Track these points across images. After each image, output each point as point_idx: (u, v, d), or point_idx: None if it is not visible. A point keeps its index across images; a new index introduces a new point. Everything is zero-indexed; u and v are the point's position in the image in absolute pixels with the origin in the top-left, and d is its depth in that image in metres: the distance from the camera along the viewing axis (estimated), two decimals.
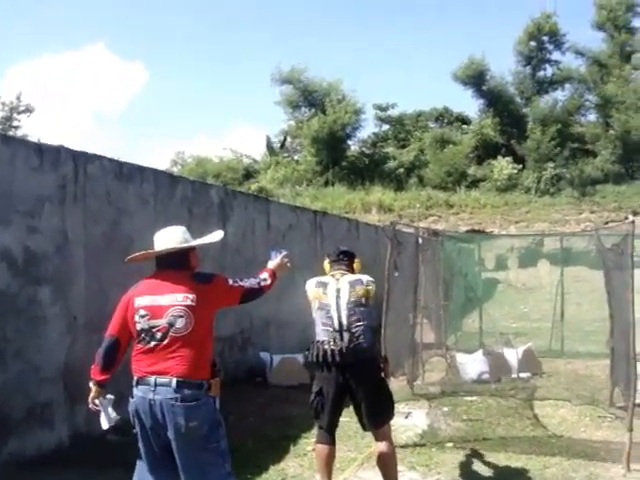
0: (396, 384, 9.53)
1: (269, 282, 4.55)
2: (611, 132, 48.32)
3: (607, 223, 37.49)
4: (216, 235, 4.62)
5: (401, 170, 49.53)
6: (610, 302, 7.88)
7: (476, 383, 10.17)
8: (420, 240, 9.75)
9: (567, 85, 54.32)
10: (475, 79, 50.92)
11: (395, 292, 7.42)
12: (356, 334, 5.25)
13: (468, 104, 66.01)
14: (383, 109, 55.81)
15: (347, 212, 36.88)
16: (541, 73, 54.49)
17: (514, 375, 10.49)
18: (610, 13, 53.38)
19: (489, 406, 8.86)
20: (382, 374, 5.57)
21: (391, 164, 50.50)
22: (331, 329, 5.30)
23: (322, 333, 5.36)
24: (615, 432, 7.34)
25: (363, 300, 5.36)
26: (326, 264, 5.76)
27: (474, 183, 46.52)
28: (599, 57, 53.60)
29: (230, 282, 4.35)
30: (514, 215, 39.39)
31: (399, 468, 6.09)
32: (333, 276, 5.54)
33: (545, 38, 53.53)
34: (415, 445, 7.18)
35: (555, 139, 46.10)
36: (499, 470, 6.36)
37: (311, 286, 5.56)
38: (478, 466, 6.50)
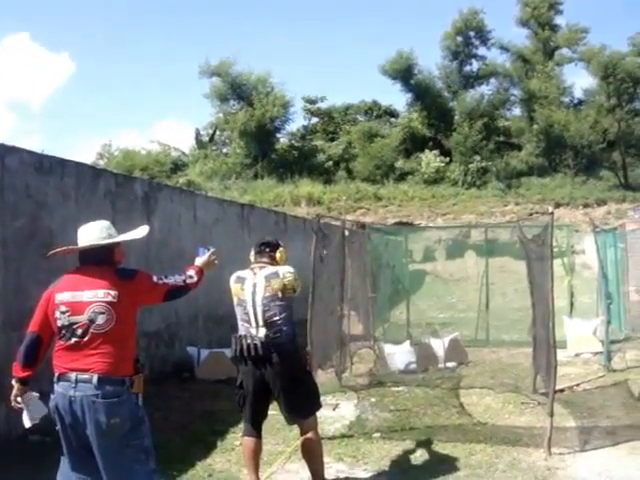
0: (324, 376, 9.58)
1: (195, 279, 4.47)
2: (535, 126, 49.42)
3: (531, 215, 38.39)
4: (141, 230, 4.53)
5: (330, 163, 49.76)
6: (532, 291, 8.06)
7: (404, 373, 10.24)
8: (347, 233, 9.77)
9: (493, 80, 55.42)
10: (403, 73, 51.39)
11: (321, 284, 7.42)
12: (273, 329, 5.25)
13: (396, 98, 66.58)
14: (312, 102, 55.90)
15: (276, 205, 36.84)
16: (468, 68, 55.42)
17: (441, 365, 10.61)
18: (534, 10, 54.62)
19: (416, 396, 8.93)
20: (304, 367, 5.56)
21: (320, 157, 50.66)
22: (248, 324, 5.34)
23: (241, 328, 5.40)
24: (538, 418, 7.50)
25: (279, 294, 5.31)
26: (250, 256, 5.69)
27: (402, 176, 47.04)
28: (523, 53, 54.80)
29: (154, 279, 4.26)
30: (441, 207, 40.02)
31: (326, 460, 6.10)
32: (252, 270, 5.50)
33: (472, 34, 54.43)
34: (343, 436, 7.19)
35: (481, 133, 46.96)
36: (426, 458, 6.41)
37: (232, 281, 5.53)
38: (405, 455, 6.54)
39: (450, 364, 10.67)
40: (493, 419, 7.74)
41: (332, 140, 54.30)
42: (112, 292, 4.00)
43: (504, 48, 56.18)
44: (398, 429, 7.41)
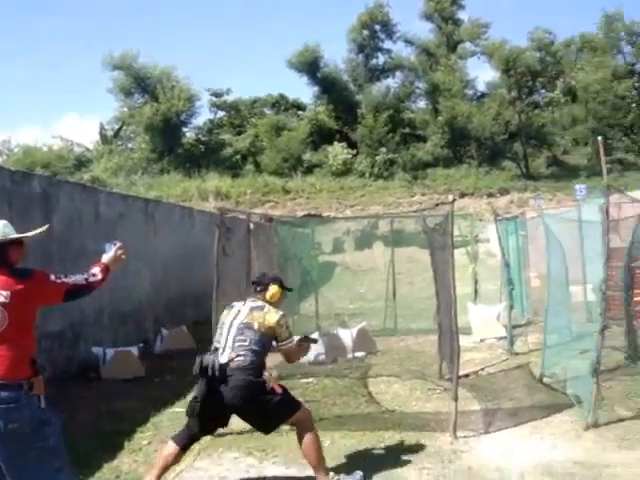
0: None
1: (99, 277, 4.32)
2: (440, 118, 50.37)
3: (437, 205, 39.23)
4: (39, 229, 4.37)
5: (237, 157, 49.49)
6: (436, 280, 8.21)
7: (313, 365, 10.26)
8: (252, 226, 9.70)
9: (398, 73, 56.19)
10: (309, 66, 51.54)
11: (226, 279, 7.34)
12: (237, 352, 5.22)
13: (303, 91, 66.69)
14: (218, 95, 55.32)
15: (184, 200, 36.36)
16: (373, 61, 55.99)
17: (350, 355, 10.69)
18: (437, 5, 55.64)
19: (325, 386, 8.98)
20: (262, 390, 5.32)
21: (227, 151, 50.30)
22: (218, 344, 5.35)
23: (212, 349, 5.40)
24: (444, 403, 7.62)
25: (255, 325, 5.32)
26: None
27: (310, 169, 47.19)
28: (428, 46, 55.79)
29: (52, 278, 4.07)
30: (349, 199, 40.37)
31: (236, 454, 6.14)
32: (244, 301, 5.60)
33: (377, 27, 55.00)
34: (253, 431, 7.11)
35: (387, 125, 47.55)
36: (335, 448, 6.43)
37: (224, 310, 5.67)
38: None
39: (359, 354, 10.76)
40: (401, 406, 7.85)
41: (239, 134, 53.99)
42: (4, 293, 3.84)
43: (409, 42, 57.09)
44: None
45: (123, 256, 4.63)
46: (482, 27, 56.07)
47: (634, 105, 49.27)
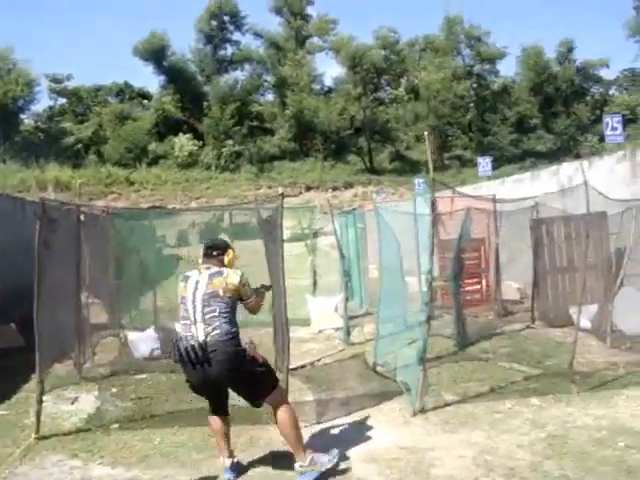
0: (62, 369, 9.09)
1: None
2: (287, 111, 50.77)
3: (282, 196, 39.49)
4: None
5: (80, 146, 47.70)
6: (270, 272, 8.15)
7: (148, 360, 9.96)
8: (82, 217, 9.26)
9: (247, 65, 56.17)
10: (156, 54, 50.55)
11: (50, 273, 6.94)
12: (211, 325, 5.07)
13: (149, 80, 65.32)
14: (58, 81, 53.02)
15: (21, 191, 34.52)
16: (222, 52, 55.74)
17: None
18: None
19: (159, 382, 8.71)
20: (245, 358, 5.23)
21: (69, 140, 48.37)
22: (188, 322, 5.16)
23: (182, 328, 5.23)
24: None
25: (220, 292, 5.15)
26: (199, 259, 5.51)
27: (155, 160, 46.31)
28: (276, 40, 56.05)
29: None
30: (195, 191, 39.91)
31: (60, 457, 5.85)
32: (199, 270, 5.34)
33: (226, 18, 54.67)
34: (79, 431, 6.81)
35: (234, 117, 47.41)
36: (164, 445, 6.24)
37: (179, 281, 5.41)
38: (142, 444, 6.33)
39: None
40: (233, 399, 7.71)
41: (81, 122, 52.13)
42: None
43: (258, 34, 57.29)
44: (138, 418, 7.16)
45: None
46: (330, 23, 57.09)
47: (472, 105, 51.71)
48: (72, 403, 7.93)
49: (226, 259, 5.45)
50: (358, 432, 6.28)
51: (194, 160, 45.35)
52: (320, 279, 14.44)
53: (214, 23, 53.95)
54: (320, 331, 11.83)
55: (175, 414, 7.25)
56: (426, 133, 7.17)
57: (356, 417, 6.73)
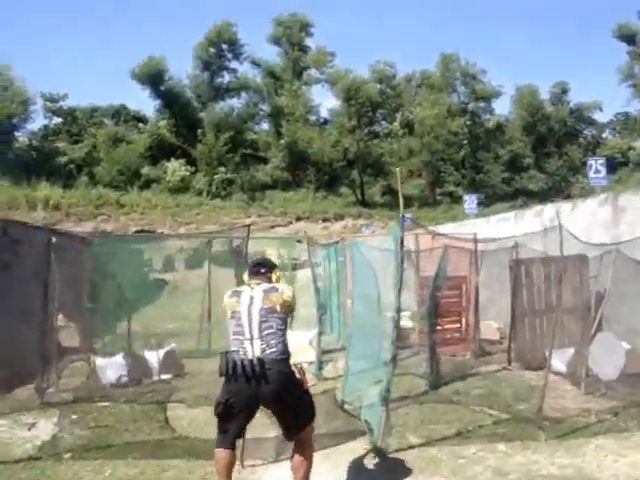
0: (24, 393, 8.89)
1: None
2: (281, 141, 50.87)
3: (273, 227, 39.50)
4: None
5: (72, 166, 47.59)
6: None
7: (115, 387, 9.78)
8: (54, 239, 9.11)
9: (243, 93, 56.26)
10: (153, 78, 50.69)
11: (10, 294, 6.78)
12: (268, 343, 4.95)
13: (146, 103, 65.50)
14: (53, 100, 52.98)
15: (10, 208, 34.45)
16: (219, 79, 55.85)
17: (156, 377, 10.28)
18: (286, 30, 56.30)
19: (121, 411, 8.51)
20: (299, 383, 5.20)
21: (61, 160, 48.27)
22: (242, 337, 4.99)
23: (233, 343, 5.04)
24: None
25: (277, 307, 5.05)
26: (245, 275, 5.43)
27: (147, 183, 46.20)
28: (274, 70, 56.32)
29: None
30: (185, 217, 39.73)
31: None
32: (249, 285, 5.24)
33: (225, 46, 54.87)
34: (30, 459, 6.61)
35: (228, 144, 47.40)
36: (115, 477, 6.06)
37: (226, 296, 5.26)
38: (93, 476, 6.14)
39: (165, 376, 10.37)
40: (196, 432, 7.56)
41: (76, 142, 52.01)
42: None
43: (255, 63, 57.51)
44: (93, 448, 6.97)
45: None
46: (328, 55, 57.36)
47: (465, 142, 51.87)
48: (29, 429, 7.74)
49: (274, 277, 5.39)
50: (315, 472, 6.07)
51: (186, 185, 45.25)
52: (298, 312, 14.25)
53: (212, 50, 54.13)
54: (294, 365, 11.62)
55: (132, 445, 7.07)
56: (397, 169, 7.06)
57: (316, 456, 6.44)
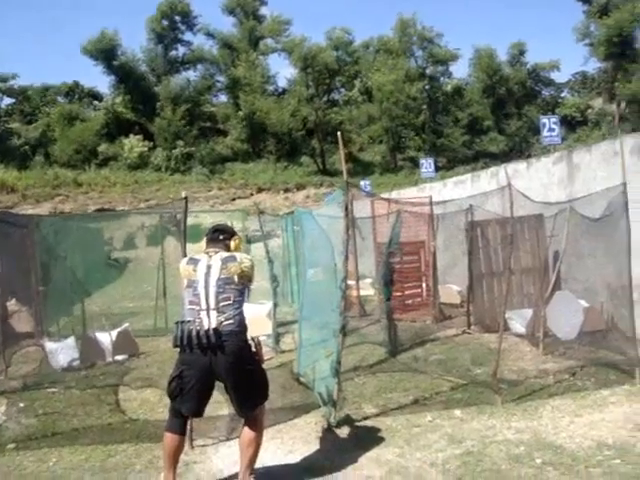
0: None
1: None
2: (240, 112, 50.27)
3: (234, 200, 39.07)
4: None
5: (27, 147, 46.62)
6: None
7: (66, 371, 9.49)
8: None
9: (199, 65, 55.50)
10: (106, 54, 49.63)
11: None
12: (225, 314, 4.75)
13: (100, 80, 64.36)
14: (3, 80, 51.67)
15: None
16: (173, 52, 54.98)
17: (109, 358, 10.01)
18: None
19: (71, 396, 8.23)
20: (254, 356, 5.02)
21: (16, 141, 47.25)
22: (197, 307, 4.80)
23: (188, 313, 4.84)
24: None
25: (235, 278, 4.85)
26: (202, 243, 5.17)
27: (105, 161, 45.44)
28: (229, 41, 55.48)
29: None
30: (144, 193, 39.13)
31: None
32: (207, 253, 5.02)
33: (178, 18, 53.96)
34: None
35: (185, 118, 46.76)
36: (60, 466, 5.81)
37: (183, 264, 5.07)
38: (37, 465, 5.89)
39: (119, 357, 10.10)
40: (146, 414, 7.34)
41: (30, 123, 50.92)
42: None
43: (210, 35, 56.67)
44: (39, 436, 6.69)
45: None
46: (284, 24, 56.67)
47: (425, 106, 51.71)
48: None
49: (232, 244, 5.15)
50: (266, 450, 5.90)
51: (144, 162, 44.52)
52: (252, 285, 14.04)
53: (165, 23, 53.12)
54: (252, 338, 11.43)
55: (80, 431, 6.82)
56: (339, 133, 6.79)
57: (268, 433, 6.32)
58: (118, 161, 45.00)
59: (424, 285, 13.28)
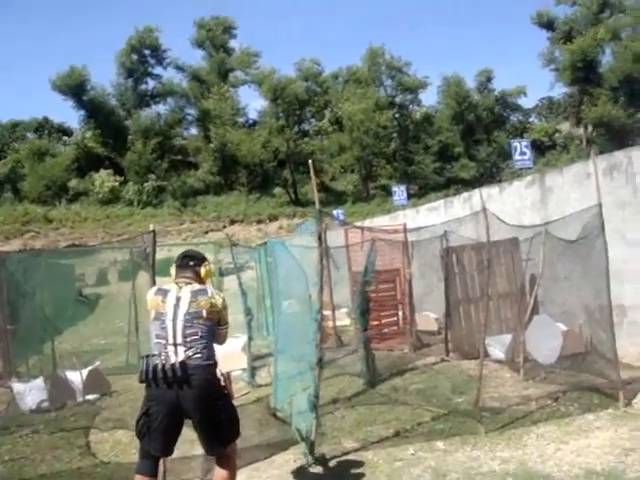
0: None
1: None
2: (211, 145, 50.22)
3: (207, 232, 38.84)
4: None
5: None
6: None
7: (36, 413, 9.17)
8: None
9: (169, 99, 55.44)
10: (75, 89, 49.42)
11: None
12: (192, 348, 4.55)
13: (70, 115, 64.13)
14: None
15: None
16: (143, 86, 54.88)
17: (80, 399, 9.70)
18: (209, 32, 55.69)
19: (40, 440, 7.92)
20: (222, 391, 4.79)
21: None
22: (164, 341, 4.59)
23: (155, 347, 4.63)
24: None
25: (204, 313, 4.65)
26: (172, 270, 4.96)
27: (76, 196, 45.05)
28: (199, 73, 55.61)
29: None
30: (116, 228, 38.75)
31: None
32: (177, 284, 4.79)
33: (147, 52, 53.95)
34: None
35: (156, 151, 46.62)
36: None
37: (151, 294, 4.82)
38: None
39: (90, 396, 9.79)
40: (118, 456, 7.06)
41: None
42: None
43: (180, 68, 56.77)
44: None
45: None
46: (253, 56, 56.94)
47: (395, 134, 52.03)
48: None
49: (203, 270, 4.91)
50: None
51: (115, 196, 44.19)
52: (224, 327, 13.79)
53: (135, 57, 53.04)
54: (221, 373, 11.18)
55: (47, 477, 6.55)
56: (310, 161, 6.65)
57: (245, 472, 6.11)
58: (89, 196, 44.62)
59: (400, 313, 13.13)
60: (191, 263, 4.93)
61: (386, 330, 13.08)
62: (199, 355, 4.58)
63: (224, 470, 4.75)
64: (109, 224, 39.30)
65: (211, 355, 4.71)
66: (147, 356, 4.64)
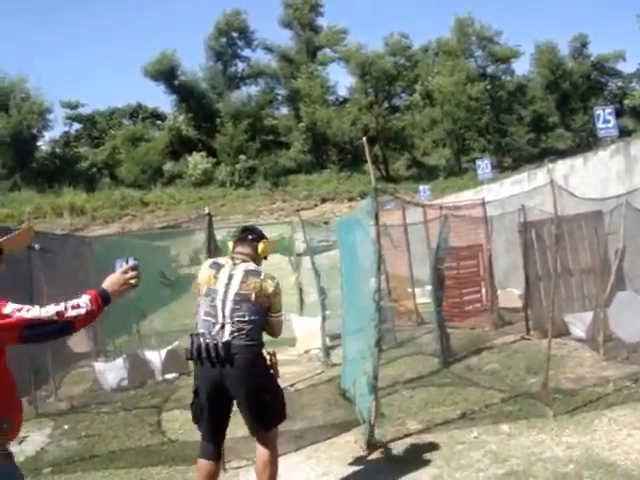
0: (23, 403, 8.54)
1: (85, 310, 2.99)
2: (301, 124, 50.33)
3: (298, 211, 38.98)
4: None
5: (94, 170, 47.71)
6: None
7: (116, 391, 9.45)
8: (37, 247, 8.72)
9: (259, 80, 55.78)
10: (166, 74, 50.46)
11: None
12: (239, 328, 4.51)
13: (162, 100, 65.58)
14: (72, 107, 53.12)
15: (37, 217, 34.52)
16: (232, 69, 55.45)
17: (159, 378, 9.93)
18: (296, 12, 55.64)
19: (115, 417, 8.15)
20: (268, 372, 4.73)
21: (83, 164, 48.39)
22: (213, 320, 4.56)
23: (203, 324, 4.61)
24: (236, 427, 7.00)
25: (252, 296, 4.58)
26: (230, 243, 4.97)
27: (170, 179, 46.11)
28: (287, 53, 55.71)
29: (8, 309, 2.83)
30: (210, 209, 39.25)
31: None
32: (232, 259, 4.77)
33: (235, 34, 54.41)
34: None
35: (247, 132, 47.06)
36: None
37: (205, 266, 4.82)
38: None
39: (169, 375, 10.00)
40: (186, 435, 7.14)
41: (97, 146, 52.11)
42: None
43: (268, 49, 57.00)
44: (77, 460, 6.60)
45: (134, 280, 3.31)
46: (340, 33, 56.56)
47: (487, 106, 50.77)
48: (19, 443, 7.36)
49: (260, 246, 4.87)
50: (301, 471, 5.66)
51: (208, 178, 45.00)
52: (307, 297, 13.80)
53: (223, 40, 53.70)
54: (306, 351, 11.25)
55: (117, 454, 6.71)
56: (364, 139, 6.47)
57: (305, 453, 6.10)
58: (183, 179, 45.61)
59: (483, 290, 12.82)
60: (250, 237, 4.88)
61: (469, 307, 12.81)
62: (244, 335, 4.53)
63: (265, 452, 4.69)
64: (202, 205, 39.92)
65: (257, 336, 4.64)
66: (195, 334, 4.61)
